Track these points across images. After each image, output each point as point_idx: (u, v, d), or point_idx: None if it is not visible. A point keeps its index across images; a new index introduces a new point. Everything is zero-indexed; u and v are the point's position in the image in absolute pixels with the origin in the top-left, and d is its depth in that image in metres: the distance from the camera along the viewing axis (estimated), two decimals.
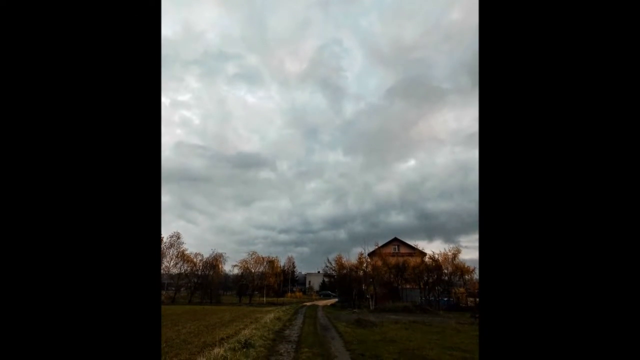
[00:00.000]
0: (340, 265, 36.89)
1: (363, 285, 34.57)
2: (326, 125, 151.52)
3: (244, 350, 8.14)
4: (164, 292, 40.26)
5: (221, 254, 44.06)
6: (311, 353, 8.41)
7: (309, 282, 76.90)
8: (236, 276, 46.12)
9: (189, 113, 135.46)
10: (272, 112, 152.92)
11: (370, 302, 30.24)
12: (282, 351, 8.75)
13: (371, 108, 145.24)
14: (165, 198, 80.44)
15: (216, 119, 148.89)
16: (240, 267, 44.12)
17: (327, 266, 38.68)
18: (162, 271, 38.43)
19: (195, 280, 41.63)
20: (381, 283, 33.85)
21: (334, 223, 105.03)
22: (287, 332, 12.86)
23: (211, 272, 42.45)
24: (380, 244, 38.58)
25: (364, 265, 35.99)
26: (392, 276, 34.30)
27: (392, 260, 35.03)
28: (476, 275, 32.58)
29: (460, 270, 33.18)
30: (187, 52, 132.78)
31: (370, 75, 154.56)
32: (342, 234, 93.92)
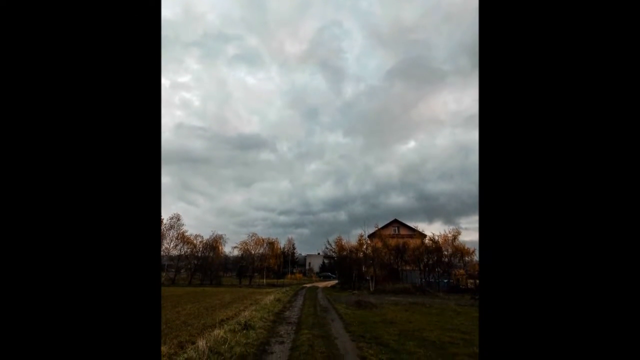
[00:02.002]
0: (340, 246, 37.05)
1: (363, 267, 34.78)
2: (326, 107, 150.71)
3: (244, 331, 8.09)
4: (163, 274, 40.66)
5: (221, 235, 44.37)
6: (311, 334, 8.34)
7: (309, 263, 77.73)
8: (236, 258, 46.51)
9: (189, 95, 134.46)
10: (272, 94, 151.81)
11: (370, 284, 30.49)
12: (282, 333, 8.70)
13: (371, 89, 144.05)
14: (165, 179, 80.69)
15: (216, 100, 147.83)
16: (240, 248, 44.45)
17: (327, 248, 38.90)
18: (162, 253, 38.65)
19: (195, 261, 41.97)
20: (381, 265, 34.05)
21: (334, 204, 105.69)
22: (287, 313, 12.88)
23: (211, 254, 42.76)
24: (380, 226, 38.74)
25: (364, 246, 36.12)
26: (392, 258, 34.51)
27: (392, 242, 35.19)
28: (476, 257, 32.83)
29: (460, 251, 33.39)
30: (187, 33, 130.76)
31: (370, 56, 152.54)
32: (342, 216, 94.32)
